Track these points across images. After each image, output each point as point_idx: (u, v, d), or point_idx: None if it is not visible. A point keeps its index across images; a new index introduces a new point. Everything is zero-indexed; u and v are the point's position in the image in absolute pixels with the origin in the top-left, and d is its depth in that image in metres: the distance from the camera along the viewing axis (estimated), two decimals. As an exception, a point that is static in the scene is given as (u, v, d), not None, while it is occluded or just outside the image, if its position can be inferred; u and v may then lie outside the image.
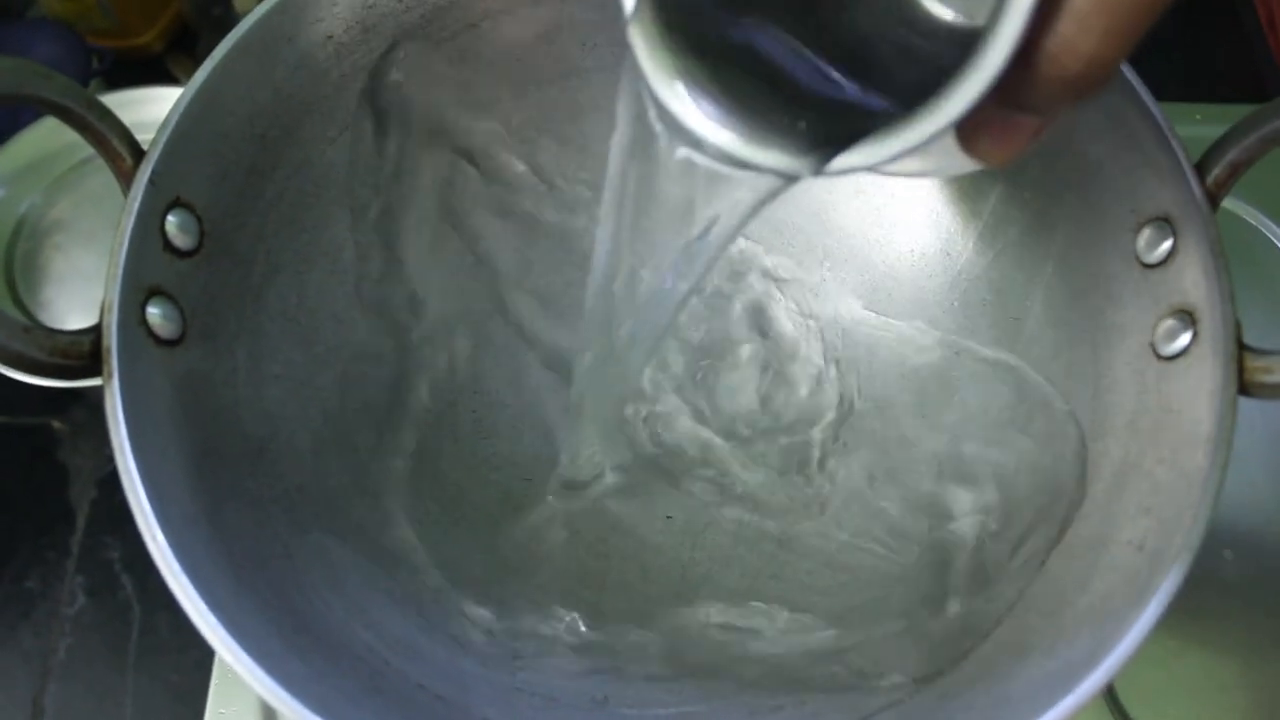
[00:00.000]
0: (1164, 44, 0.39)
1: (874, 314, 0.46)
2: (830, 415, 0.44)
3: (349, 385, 0.43)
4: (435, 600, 0.40)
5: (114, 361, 0.34)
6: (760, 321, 0.46)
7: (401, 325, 0.45)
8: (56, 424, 0.61)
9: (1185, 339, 0.36)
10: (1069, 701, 0.30)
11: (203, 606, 0.31)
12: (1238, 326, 0.35)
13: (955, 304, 0.45)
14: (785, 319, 0.46)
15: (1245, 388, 0.34)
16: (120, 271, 0.35)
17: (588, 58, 0.48)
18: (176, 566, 0.31)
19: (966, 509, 0.42)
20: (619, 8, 0.25)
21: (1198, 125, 0.39)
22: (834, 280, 0.48)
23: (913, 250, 0.47)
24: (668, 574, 0.42)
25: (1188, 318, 0.36)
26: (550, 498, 0.42)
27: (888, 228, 0.48)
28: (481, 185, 0.47)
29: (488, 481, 0.43)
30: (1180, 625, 0.47)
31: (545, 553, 0.41)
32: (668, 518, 0.42)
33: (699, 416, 0.44)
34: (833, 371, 0.45)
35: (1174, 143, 0.37)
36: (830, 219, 0.48)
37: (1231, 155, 0.37)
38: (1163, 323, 0.37)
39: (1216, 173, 0.37)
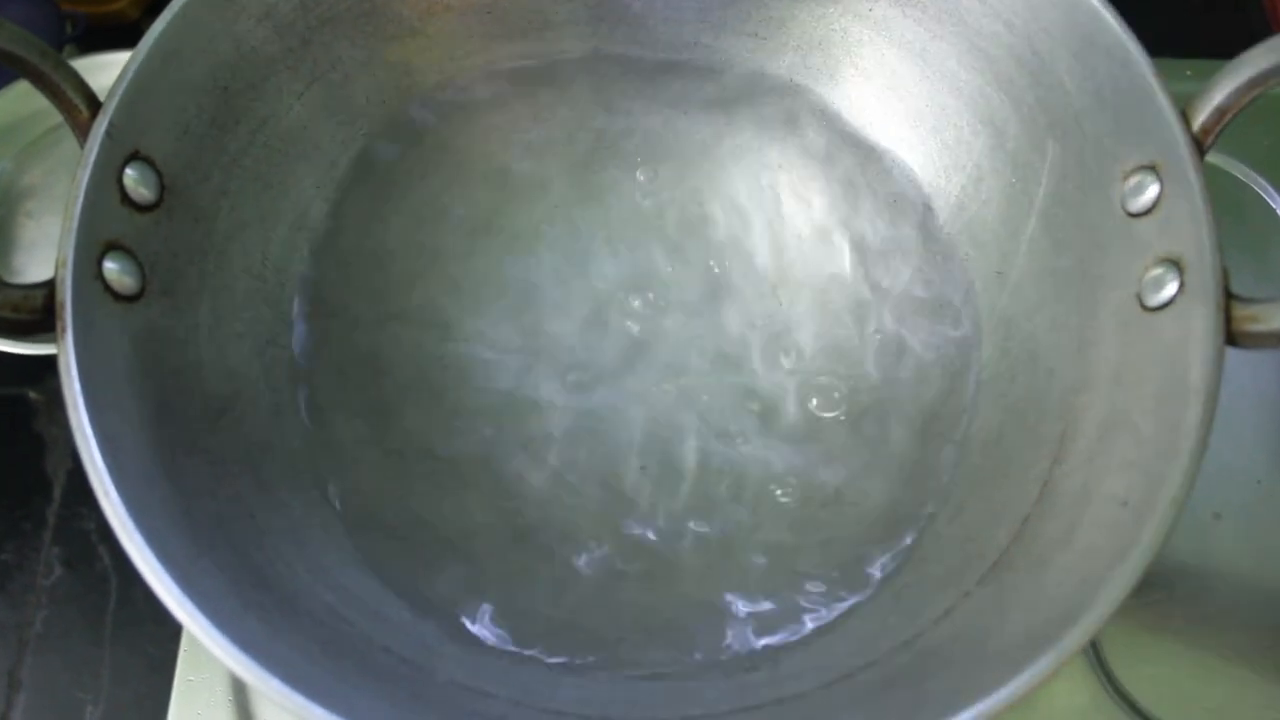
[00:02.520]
0: (1157, 5, 0.38)
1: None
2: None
3: (318, 344, 0.42)
4: (401, 562, 0.39)
5: (68, 316, 0.33)
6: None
7: (371, 280, 0.44)
8: (33, 394, 0.60)
9: (1172, 289, 0.35)
10: (1050, 657, 0.29)
11: (156, 563, 0.29)
12: (1225, 274, 0.34)
13: (938, 258, 0.44)
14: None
15: (1233, 337, 0.33)
16: (75, 225, 0.34)
17: (558, 10, 0.47)
18: (129, 521, 0.30)
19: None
20: None
21: (1189, 81, 0.38)
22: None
23: (896, 202, 0.45)
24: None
25: (1174, 267, 0.35)
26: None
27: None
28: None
29: (457, 433, 0.41)
30: (1167, 588, 0.46)
31: (516, 509, 0.40)
32: (642, 468, 0.41)
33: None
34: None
35: (1159, 89, 0.36)
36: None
37: (1218, 101, 0.36)
38: (1149, 273, 0.36)
39: (1203, 119, 0.36)
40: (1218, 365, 0.32)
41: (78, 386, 0.32)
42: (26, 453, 0.58)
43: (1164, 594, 0.45)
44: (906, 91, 0.45)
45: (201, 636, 0.29)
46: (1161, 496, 0.31)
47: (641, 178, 0.46)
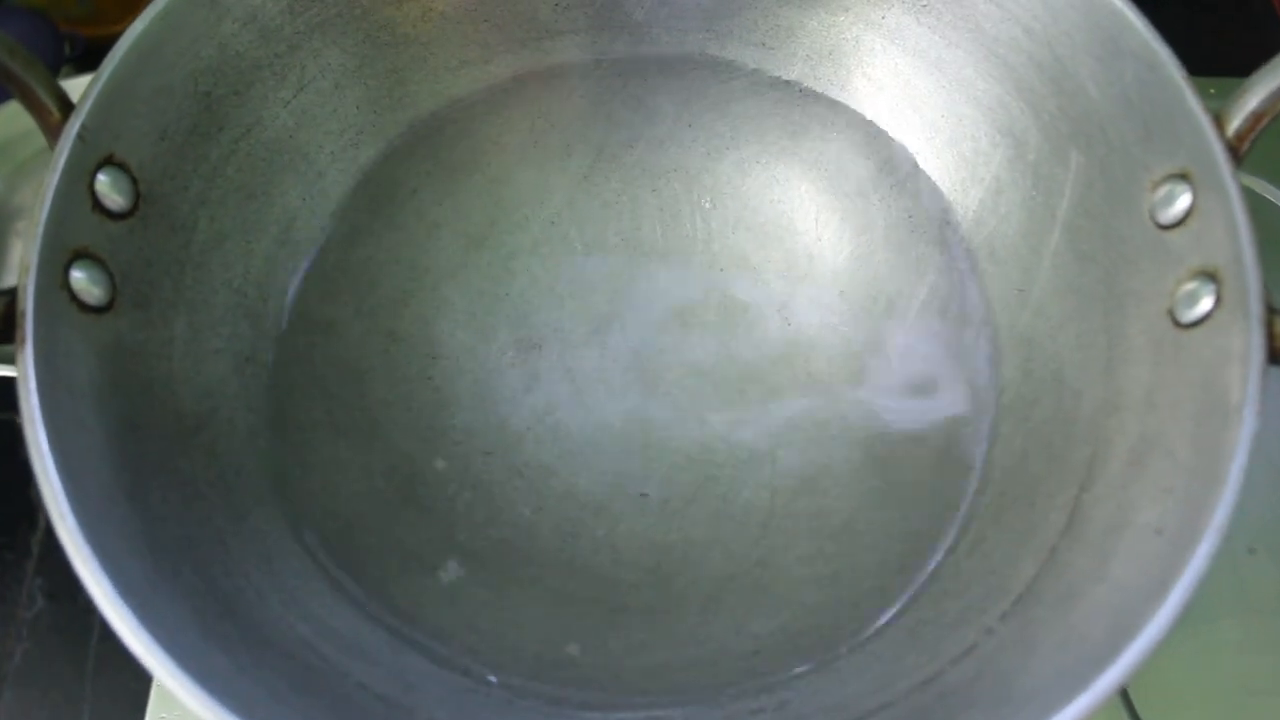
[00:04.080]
0: (1175, 25, 0.37)
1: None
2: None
3: (299, 362, 0.40)
4: (382, 591, 0.36)
5: (28, 326, 0.31)
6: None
7: (357, 298, 0.41)
8: (19, 419, 0.58)
9: (1208, 303, 0.32)
10: (1084, 700, 0.26)
11: (111, 590, 0.27)
12: (1267, 288, 0.31)
13: (956, 275, 0.42)
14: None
15: (1276, 355, 0.31)
16: (41, 231, 0.32)
17: (559, 19, 0.45)
18: (84, 545, 0.27)
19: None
20: None
21: (1213, 99, 0.36)
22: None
23: (911, 217, 0.43)
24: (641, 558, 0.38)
25: (1210, 280, 0.32)
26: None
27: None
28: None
29: (447, 457, 0.39)
30: (1201, 628, 0.43)
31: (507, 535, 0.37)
32: (642, 495, 0.39)
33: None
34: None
35: (1190, 92, 0.34)
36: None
37: (1253, 106, 0.33)
38: (1182, 287, 0.33)
39: (1237, 125, 0.33)
40: (1260, 384, 0.30)
41: (35, 401, 0.29)
42: (11, 479, 0.56)
43: (1199, 638, 0.42)
44: (921, 102, 0.43)
45: (156, 670, 0.27)
46: (1201, 524, 0.28)
47: (643, 192, 0.44)
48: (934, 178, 0.43)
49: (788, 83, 0.45)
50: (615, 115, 0.45)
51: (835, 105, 0.45)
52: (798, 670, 0.35)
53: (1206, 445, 0.30)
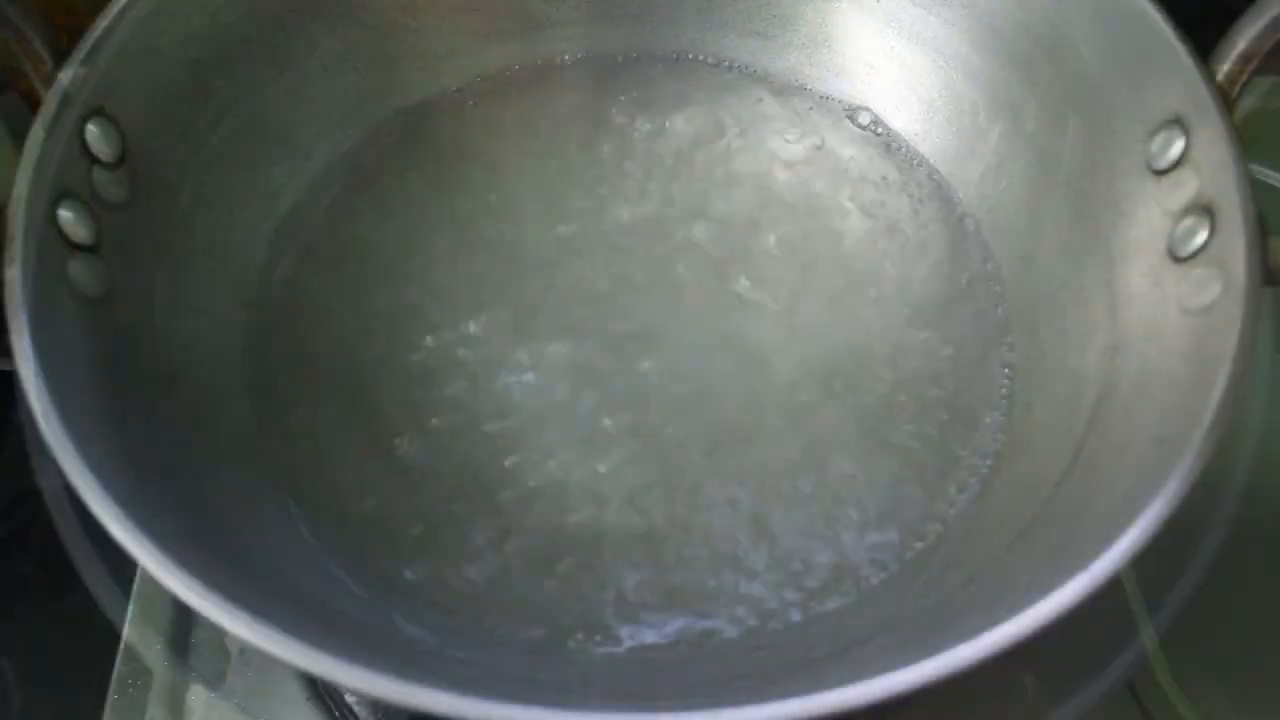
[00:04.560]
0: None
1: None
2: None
3: (280, 331, 0.44)
4: (361, 549, 0.40)
5: (17, 248, 0.35)
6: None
7: (341, 275, 0.46)
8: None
9: (1204, 234, 0.37)
10: (1081, 580, 0.30)
11: (95, 483, 0.31)
12: (1260, 214, 0.36)
13: (961, 249, 0.47)
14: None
15: (1273, 275, 0.35)
16: (32, 165, 0.37)
17: (552, 11, 0.51)
18: (67, 440, 0.32)
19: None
20: None
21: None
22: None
23: (913, 196, 0.48)
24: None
25: (1205, 213, 0.37)
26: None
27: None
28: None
29: (433, 435, 0.43)
30: (1226, 606, 0.46)
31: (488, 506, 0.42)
32: (635, 472, 0.43)
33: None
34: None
35: (1177, 39, 0.39)
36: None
37: (1242, 47, 0.39)
38: (1179, 225, 0.38)
39: (1228, 67, 0.39)
40: (1257, 297, 0.34)
41: (23, 315, 0.34)
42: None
43: (1225, 619, 0.46)
44: (918, 83, 0.49)
45: (145, 559, 0.30)
46: (1201, 422, 0.32)
47: (636, 183, 0.49)
48: (934, 156, 0.49)
49: (785, 71, 0.51)
50: (609, 107, 0.51)
51: (834, 91, 0.51)
52: (795, 619, 0.39)
53: (1204, 360, 0.34)
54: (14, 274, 0.35)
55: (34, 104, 0.40)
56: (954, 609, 0.35)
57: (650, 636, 0.39)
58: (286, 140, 0.48)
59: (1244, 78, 0.39)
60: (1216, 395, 0.33)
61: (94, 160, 0.40)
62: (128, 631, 0.45)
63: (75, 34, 0.69)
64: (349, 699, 0.44)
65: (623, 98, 0.51)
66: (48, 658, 0.53)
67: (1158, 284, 0.39)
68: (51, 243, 0.37)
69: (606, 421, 0.44)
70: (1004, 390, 0.44)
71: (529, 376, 0.45)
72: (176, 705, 0.44)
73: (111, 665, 0.47)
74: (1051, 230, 0.44)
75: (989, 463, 0.42)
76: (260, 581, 0.34)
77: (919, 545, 0.41)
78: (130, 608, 0.46)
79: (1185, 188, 0.39)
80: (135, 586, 0.46)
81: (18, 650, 0.54)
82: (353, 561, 0.39)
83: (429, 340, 0.45)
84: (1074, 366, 0.41)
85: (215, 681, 0.45)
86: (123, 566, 0.40)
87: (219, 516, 0.37)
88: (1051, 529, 0.36)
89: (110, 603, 0.45)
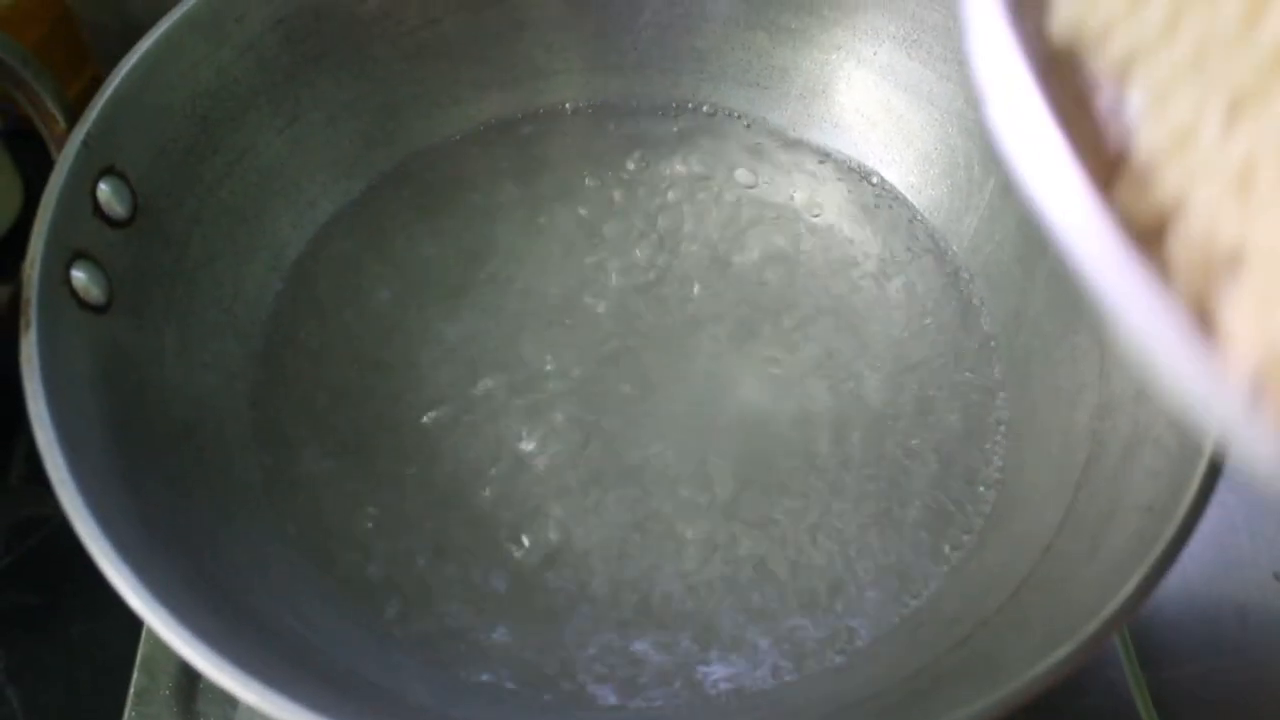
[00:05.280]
0: None
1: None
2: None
3: (287, 383, 0.46)
4: (371, 601, 0.41)
5: (33, 313, 0.37)
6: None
7: (344, 325, 0.47)
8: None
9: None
10: (1067, 648, 0.31)
11: (110, 549, 0.32)
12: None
13: (953, 303, 0.48)
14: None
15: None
16: (47, 227, 0.38)
17: (553, 60, 0.52)
18: (82, 506, 0.33)
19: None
20: None
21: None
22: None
23: (909, 249, 0.49)
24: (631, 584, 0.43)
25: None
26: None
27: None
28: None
29: (437, 489, 0.44)
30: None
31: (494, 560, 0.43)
32: (635, 526, 0.44)
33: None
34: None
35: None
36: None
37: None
38: (1171, 285, 0.40)
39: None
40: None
41: (39, 378, 0.35)
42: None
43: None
44: (914, 135, 0.50)
45: (154, 622, 0.31)
46: (1189, 488, 0.34)
47: (635, 233, 0.50)
48: (929, 209, 0.50)
49: (782, 122, 0.52)
50: (607, 156, 0.52)
51: (830, 142, 0.52)
52: (788, 679, 0.40)
53: (1191, 423, 0.36)
54: (31, 339, 0.36)
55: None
56: (944, 673, 0.36)
57: (642, 696, 0.40)
58: (292, 192, 0.49)
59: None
60: (1202, 465, 0.34)
61: (106, 219, 0.41)
62: (137, 678, 0.46)
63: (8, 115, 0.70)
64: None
65: (622, 146, 0.53)
66: (55, 687, 0.54)
67: (1148, 345, 0.40)
68: (66, 305, 0.38)
69: (603, 474, 0.45)
70: (998, 447, 0.45)
71: (531, 430, 0.46)
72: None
73: (118, 694, 0.48)
74: (1044, 286, 0.46)
75: (981, 521, 0.43)
76: (271, 641, 0.36)
77: (912, 603, 0.42)
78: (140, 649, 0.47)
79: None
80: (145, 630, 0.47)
81: (24, 680, 0.55)
82: (360, 618, 0.41)
83: (431, 393, 0.46)
84: (1065, 425, 0.42)
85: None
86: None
87: (230, 574, 0.38)
88: (1041, 592, 0.37)
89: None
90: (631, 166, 0.52)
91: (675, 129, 0.53)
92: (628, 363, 0.48)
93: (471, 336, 0.48)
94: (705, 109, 0.54)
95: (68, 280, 0.39)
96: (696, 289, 0.49)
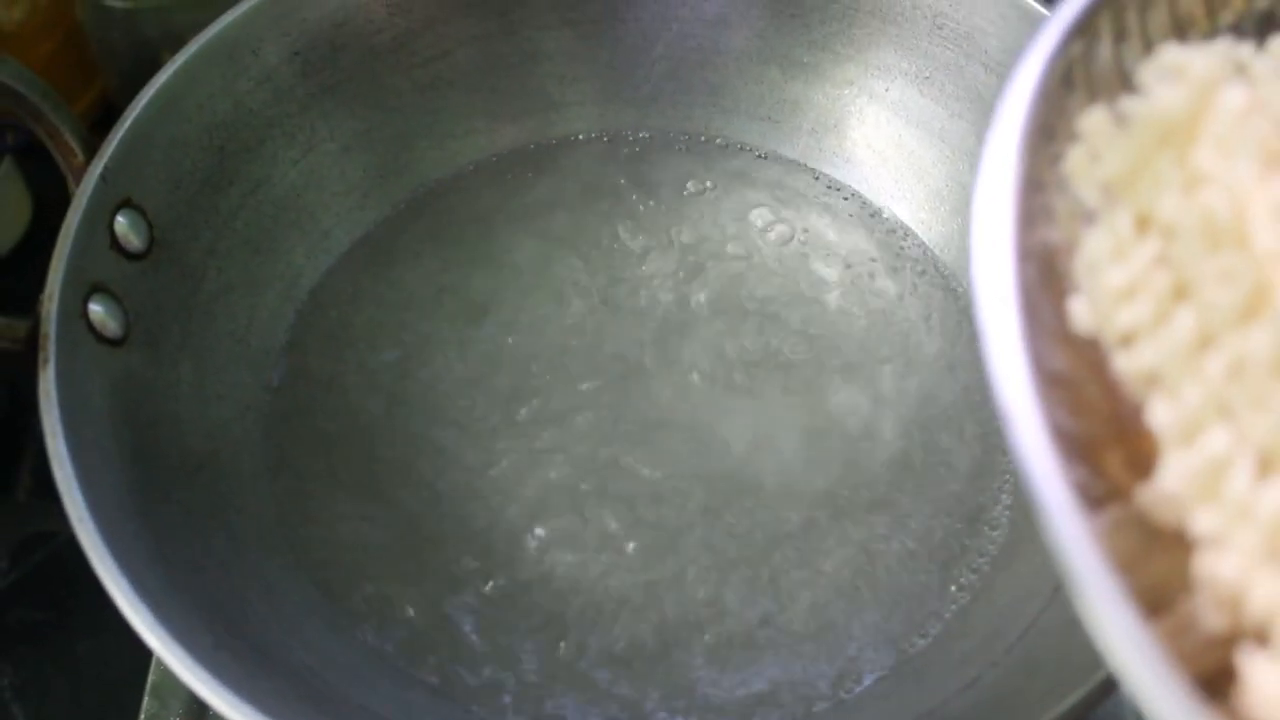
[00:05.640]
0: None
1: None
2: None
3: (300, 415, 0.46)
4: (384, 635, 0.42)
5: (51, 348, 0.37)
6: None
7: (359, 357, 0.48)
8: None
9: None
10: (1076, 695, 0.32)
11: (128, 588, 0.33)
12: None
13: (962, 344, 0.48)
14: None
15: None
16: (64, 262, 0.39)
17: (566, 91, 0.53)
18: (101, 544, 0.33)
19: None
20: None
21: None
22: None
23: (916, 287, 0.50)
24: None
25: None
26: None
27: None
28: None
29: (450, 520, 0.45)
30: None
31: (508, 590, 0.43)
32: (642, 559, 0.44)
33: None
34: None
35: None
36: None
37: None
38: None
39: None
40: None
41: (57, 414, 0.36)
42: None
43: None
44: (925, 172, 0.51)
45: (173, 663, 0.32)
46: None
47: (647, 265, 0.51)
48: (940, 245, 0.51)
49: (793, 156, 0.53)
50: (620, 188, 0.52)
51: (841, 177, 0.52)
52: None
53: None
54: (49, 374, 0.37)
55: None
56: (953, 715, 0.37)
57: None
58: (307, 222, 0.49)
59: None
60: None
61: (123, 252, 0.41)
62: (147, 704, 0.47)
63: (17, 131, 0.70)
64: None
65: (634, 178, 0.53)
66: (61, 704, 0.55)
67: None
68: (83, 339, 0.39)
69: (618, 508, 0.45)
70: (1006, 486, 0.45)
71: (544, 461, 0.46)
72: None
73: (124, 711, 0.48)
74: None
75: (989, 561, 0.43)
76: (283, 676, 0.36)
77: (919, 643, 0.42)
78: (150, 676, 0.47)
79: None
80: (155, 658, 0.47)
81: (30, 696, 0.56)
82: (372, 652, 0.41)
83: (445, 424, 0.47)
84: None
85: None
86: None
87: (242, 607, 0.38)
88: (1051, 635, 0.37)
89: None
90: (643, 199, 0.53)
91: (687, 161, 0.54)
92: (639, 397, 0.48)
93: (484, 367, 0.48)
94: (718, 141, 0.54)
95: (85, 314, 0.39)
96: (707, 324, 0.49)
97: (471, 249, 0.51)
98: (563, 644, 0.42)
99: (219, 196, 0.46)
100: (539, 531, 0.44)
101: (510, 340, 0.49)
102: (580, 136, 0.54)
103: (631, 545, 0.44)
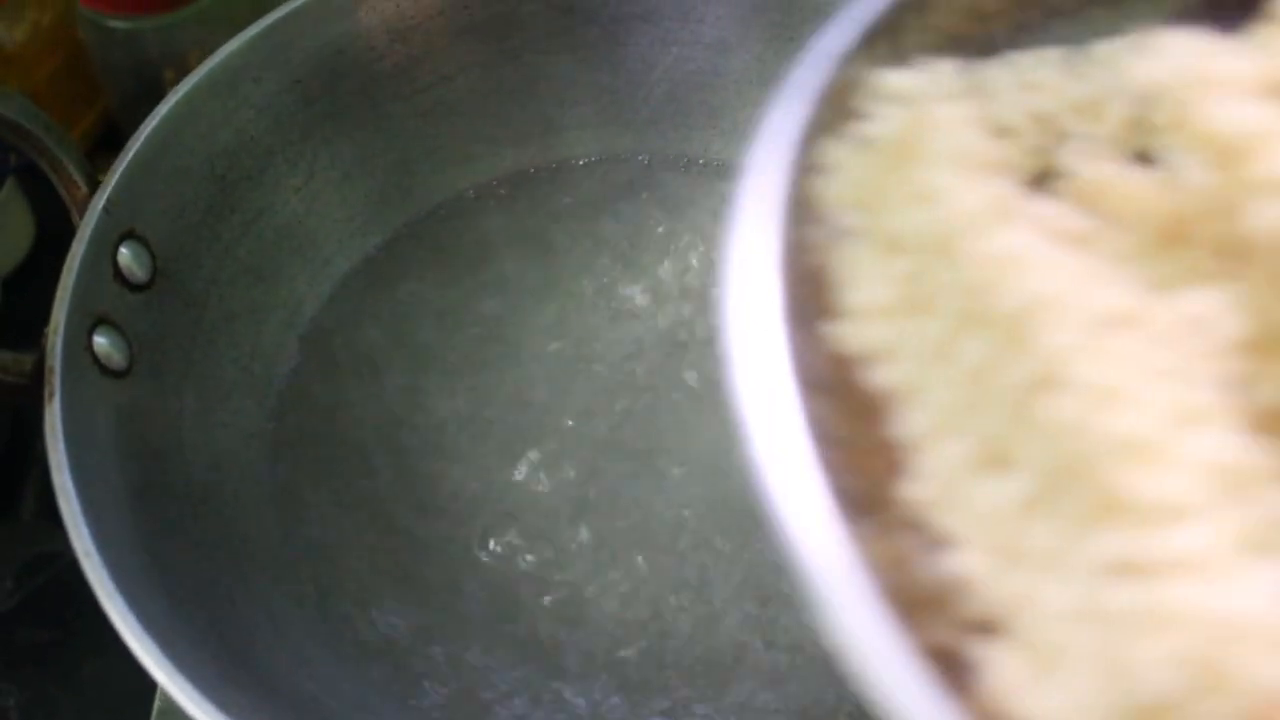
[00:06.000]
0: None
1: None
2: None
3: (304, 442, 0.46)
4: (389, 663, 0.42)
5: (56, 381, 0.37)
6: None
7: (362, 384, 0.48)
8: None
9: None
10: None
11: (134, 621, 0.33)
12: None
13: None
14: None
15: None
16: (69, 295, 0.39)
17: (565, 115, 0.53)
18: (108, 579, 0.34)
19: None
20: None
21: None
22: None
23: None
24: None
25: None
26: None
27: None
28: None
29: (451, 543, 0.45)
30: None
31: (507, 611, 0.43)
32: (646, 587, 0.44)
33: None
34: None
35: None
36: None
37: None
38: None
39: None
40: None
41: (63, 448, 0.36)
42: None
43: None
44: (926, 194, 0.51)
45: (181, 698, 0.32)
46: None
47: (648, 290, 0.51)
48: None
49: (794, 181, 0.53)
50: (620, 212, 0.53)
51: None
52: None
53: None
54: (55, 409, 0.37)
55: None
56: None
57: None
58: (309, 249, 0.50)
59: None
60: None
61: (126, 283, 0.42)
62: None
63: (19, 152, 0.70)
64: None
65: (635, 201, 0.54)
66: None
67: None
68: (88, 372, 0.39)
69: (622, 534, 0.45)
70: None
71: (547, 487, 0.46)
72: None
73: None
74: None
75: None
76: (289, 706, 0.36)
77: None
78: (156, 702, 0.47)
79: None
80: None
81: (35, 717, 0.56)
82: (378, 682, 0.41)
83: (448, 450, 0.47)
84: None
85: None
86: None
87: (247, 637, 0.39)
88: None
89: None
90: (644, 221, 0.53)
91: (687, 184, 0.54)
92: (642, 420, 0.48)
93: (487, 393, 0.49)
94: (717, 164, 0.55)
95: (90, 346, 0.40)
96: (709, 346, 0.50)
97: (473, 273, 0.52)
98: (566, 674, 0.42)
99: (221, 225, 0.46)
100: (546, 557, 0.45)
101: (513, 363, 0.49)
102: (580, 160, 0.55)
103: (636, 573, 0.44)
